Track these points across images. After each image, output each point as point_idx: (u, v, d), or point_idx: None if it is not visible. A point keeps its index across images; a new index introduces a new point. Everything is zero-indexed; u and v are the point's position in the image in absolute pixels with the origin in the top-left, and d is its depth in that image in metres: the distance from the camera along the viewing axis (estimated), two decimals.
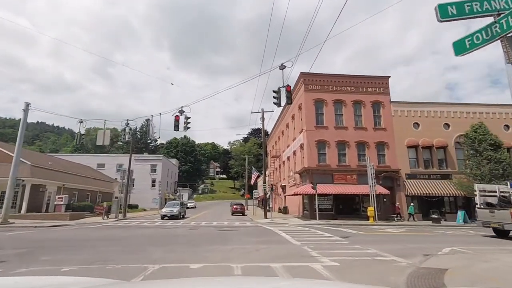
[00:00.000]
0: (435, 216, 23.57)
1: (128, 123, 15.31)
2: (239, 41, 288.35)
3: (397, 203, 26.19)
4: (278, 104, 11.47)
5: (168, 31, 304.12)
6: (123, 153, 63.94)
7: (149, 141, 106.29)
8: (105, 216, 24.15)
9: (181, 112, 13.75)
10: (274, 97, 11.62)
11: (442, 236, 13.26)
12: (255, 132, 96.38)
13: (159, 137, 15.66)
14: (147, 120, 14.55)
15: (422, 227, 19.58)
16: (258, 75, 12.04)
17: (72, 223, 21.06)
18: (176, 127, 13.76)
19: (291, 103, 11.29)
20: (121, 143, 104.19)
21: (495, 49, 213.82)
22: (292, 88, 33.22)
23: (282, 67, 11.46)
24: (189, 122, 13.90)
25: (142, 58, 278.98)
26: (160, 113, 14.54)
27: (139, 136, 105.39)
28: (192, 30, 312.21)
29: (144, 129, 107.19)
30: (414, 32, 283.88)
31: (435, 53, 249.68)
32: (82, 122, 17.65)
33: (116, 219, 24.99)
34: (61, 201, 24.01)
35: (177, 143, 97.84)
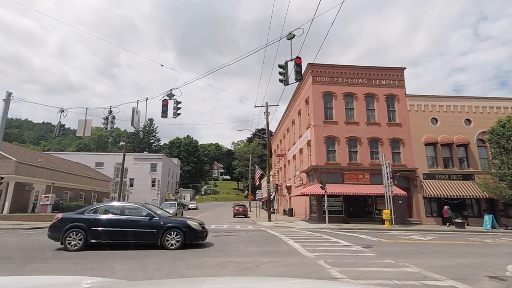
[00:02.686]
0: (459, 221, 21.10)
1: (111, 111, 13.28)
2: (243, 42, 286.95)
3: (446, 207, 23.29)
4: (285, 82, 9.30)
5: (172, 31, 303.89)
6: (128, 153, 62.37)
7: (151, 141, 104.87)
8: None
9: (170, 96, 11.66)
10: (280, 73, 9.45)
11: (485, 246, 10.91)
12: (259, 133, 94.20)
13: (144, 125, 13.56)
14: (133, 108, 12.46)
15: (450, 234, 17.18)
16: (264, 46, 9.91)
17: None
18: (164, 113, 11.66)
19: (301, 79, 9.12)
20: (123, 143, 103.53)
21: (502, 50, 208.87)
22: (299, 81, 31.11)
23: (290, 36, 9.30)
24: (179, 108, 11.80)
25: (146, 58, 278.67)
26: (147, 98, 12.49)
27: (141, 136, 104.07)
28: (196, 30, 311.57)
29: (147, 128, 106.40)
30: (421, 33, 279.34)
31: (442, 54, 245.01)
32: (63, 111, 15.69)
33: None
34: (47, 200, 22.07)
35: (180, 143, 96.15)
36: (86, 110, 14.34)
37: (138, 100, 12.42)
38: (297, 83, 32.39)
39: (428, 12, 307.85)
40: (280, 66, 9.48)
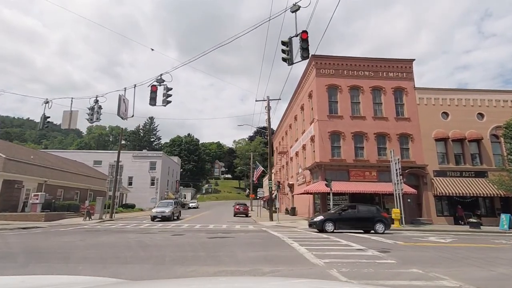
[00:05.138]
0: (474, 220, 19.78)
1: (97, 100, 12.06)
2: (245, 40, 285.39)
3: (459, 206, 22.43)
4: (289, 61, 8.02)
5: (174, 30, 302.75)
6: (126, 151, 61.29)
7: (152, 139, 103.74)
8: (87, 217, 20.98)
9: (160, 81, 10.43)
10: (283, 51, 8.18)
11: None
12: (261, 130, 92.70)
13: (133, 115, 12.26)
14: (119, 95, 11.24)
15: (468, 235, 15.87)
16: (267, 20, 8.60)
17: (44, 225, 17.90)
18: (153, 100, 10.42)
19: (307, 57, 7.83)
20: (124, 142, 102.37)
21: (507, 47, 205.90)
22: (302, 74, 29.75)
23: (295, 8, 8.02)
24: (170, 95, 10.57)
25: (148, 57, 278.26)
26: (135, 85, 11.26)
27: (142, 134, 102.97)
28: (198, 29, 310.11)
29: (147, 127, 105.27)
30: (424, 31, 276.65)
31: (445, 52, 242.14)
32: (48, 102, 14.52)
33: (100, 220, 21.83)
34: (37, 199, 20.92)
35: (181, 142, 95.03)
36: (72, 100, 13.17)
37: (125, 88, 11.21)
38: (298, 78, 31.23)
39: (432, 10, 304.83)
40: (283, 43, 8.19)
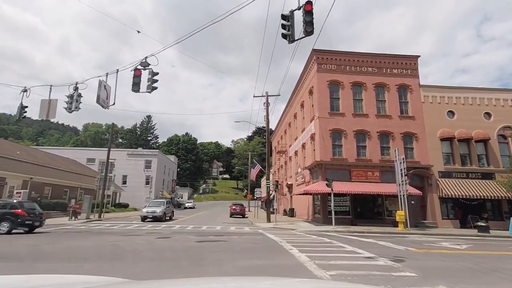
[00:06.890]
0: (483, 224, 18.65)
1: (77, 87, 10.89)
2: (245, 39, 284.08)
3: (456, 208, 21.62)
4: (290, 37, 6.90)
5: (174, 29, 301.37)
6: (121, 149, 60.13)
7: (149, 138, 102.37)
8: (72, 217, 19.75)
9: (145, 65, 9.29)
10: (283, 27, 7.05)
11: None
12: (259, 131, 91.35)
13: (114, 103, 11.23)
14: (100, 81, 10.06)
15: (479, 239, 14.80)
16: None
17: None
18: (136, 86, 9.25)
19: (312, 32, 6.67)
20: (121, 141, 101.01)
21: (506, 51, 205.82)
22: (302, 70, 28.67)
23: None
24: (156, 80, 9.42)
25: (148, 55, 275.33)
26: (118, 70, 10.11)
27: (139, 133, 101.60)
28: (198, 28, 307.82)
29: (144, 125, 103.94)
30: (424, 34, 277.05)
31: (445, 55, 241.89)
32: (26, 91, 13.37)
33: (87, 220, 20.59)
34: (19, 197, 19.66)
35: (178, 140, 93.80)
36: (50, 88, 11.99)
37: (107, 73, 10.04)
38: (298, 76, 30.04)
39: (432, 11, 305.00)
40: (283, 17, 7.04)
